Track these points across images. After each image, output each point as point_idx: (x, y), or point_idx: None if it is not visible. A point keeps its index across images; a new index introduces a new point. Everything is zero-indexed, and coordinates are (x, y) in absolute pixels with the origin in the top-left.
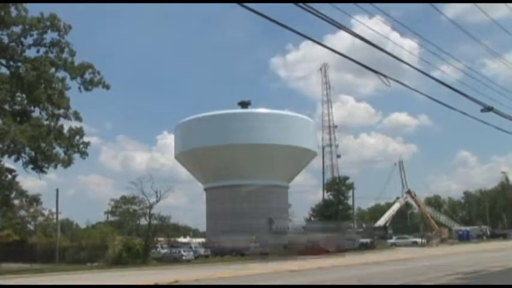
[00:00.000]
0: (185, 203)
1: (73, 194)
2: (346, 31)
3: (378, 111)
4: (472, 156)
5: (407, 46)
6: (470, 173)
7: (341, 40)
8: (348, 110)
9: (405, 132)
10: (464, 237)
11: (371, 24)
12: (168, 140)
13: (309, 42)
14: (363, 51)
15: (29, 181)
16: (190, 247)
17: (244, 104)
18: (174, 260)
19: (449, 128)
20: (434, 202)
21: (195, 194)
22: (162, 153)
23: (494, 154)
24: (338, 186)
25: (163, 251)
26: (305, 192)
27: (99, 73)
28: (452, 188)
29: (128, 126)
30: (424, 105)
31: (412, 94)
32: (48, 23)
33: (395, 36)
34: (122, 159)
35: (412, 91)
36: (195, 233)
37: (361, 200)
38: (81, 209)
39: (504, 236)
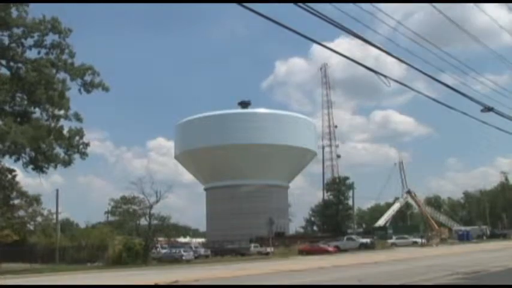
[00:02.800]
0: (185, 203)
1: (74, 194)
2: (347, 31)
3: (364, 119)
4: (463, 160)
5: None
6: (461, 176)
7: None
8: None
9: (394, 136)
10: (464, 237)
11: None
12: (169, 141)
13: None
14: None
15: (32, 181)
16: (190, 247)
17: (244, 104)
18: (174, 260)
19: (438, 131)
20: (434, 202)
21: (196, 195)
22: (163, 155)
23: (482, 158)
24: (338, 186)
25: (163, 251)
26: (305, 194)
27: (98, 75)
28: (444, 189)
29: (129, 127)
30: (412, 111)
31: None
32: (49, 26)
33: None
34: (125, 160)
35: (393, 100)
36: (195, 233)
37: (361, 200)
38: (81, 209)
39: (504, 236)
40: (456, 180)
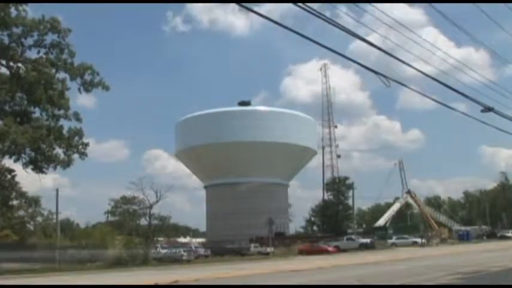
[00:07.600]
0: (186, 204)
1: (74, 194)
2: (347, 31)
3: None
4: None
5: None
6: (458, 178)
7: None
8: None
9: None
10: (464, 237)
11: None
12: (170, 141)
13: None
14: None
15: (33, 181)
16: (190, 247)
17: (244, 104)
18: (174, 260)
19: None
20: (434, 202)
21: (197, 196)
22: (164, 156)
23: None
24: (338, 186)
25: (163, 251)
26: (305, 194)
27: (98, 74)
28: (437, 191)
29: (130, 127)
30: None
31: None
32: (48, 25)
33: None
34: (126, 161)
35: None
36: (195, 233)
37: (361, 200)
38: (81, 209)
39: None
40: (453, 183)
